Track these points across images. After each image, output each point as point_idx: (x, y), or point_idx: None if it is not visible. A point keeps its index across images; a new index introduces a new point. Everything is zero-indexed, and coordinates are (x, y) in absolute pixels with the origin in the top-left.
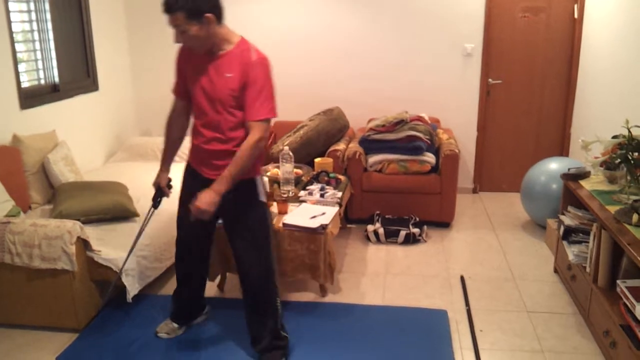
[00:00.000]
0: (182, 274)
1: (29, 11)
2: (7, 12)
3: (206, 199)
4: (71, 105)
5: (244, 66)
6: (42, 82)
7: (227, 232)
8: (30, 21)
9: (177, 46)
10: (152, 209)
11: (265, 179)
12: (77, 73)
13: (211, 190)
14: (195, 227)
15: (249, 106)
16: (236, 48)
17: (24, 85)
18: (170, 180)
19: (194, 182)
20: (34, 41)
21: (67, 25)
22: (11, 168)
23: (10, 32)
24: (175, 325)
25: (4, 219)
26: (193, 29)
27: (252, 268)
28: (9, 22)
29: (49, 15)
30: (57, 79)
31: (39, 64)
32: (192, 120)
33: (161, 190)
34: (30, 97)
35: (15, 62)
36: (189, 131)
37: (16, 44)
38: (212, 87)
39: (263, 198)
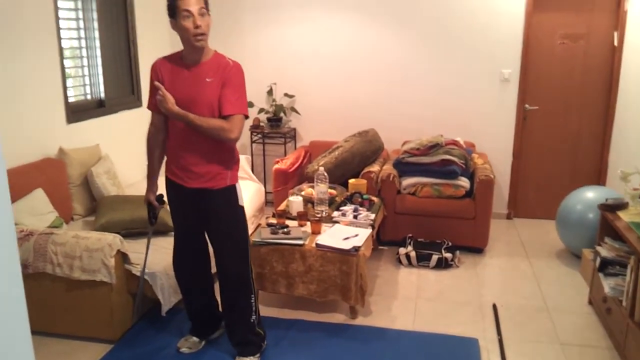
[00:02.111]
0: (183, 288)
1: (78, 29)
2: (58, 28)
3: (172, 104)
4: (115, 121)
5: (222, 70)
6: (89, 97)
7: (210, 237)
8: (79, 38)
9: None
10: (150, 226)
11: (300, 198)
12: (122, 89)
13: (178, 109)
14: (191, 236)
15: (226, 101)
16: (214, 57)
17: (71, 100)
18: (161, 195)
19: (180, 195)
20: (81, 57)
21: (114, 42)
22: (56, 180)
23: (60, 48)
24: (196, 339)
25: (48, 230)
26: (208, 18)
27: (233, 269)
28: (59, 39)
29: (97, 34)
30: (102, 95)
31: (86, 79)
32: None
33: (152, 206)
34: (77, 112)
35: (64, 78)
36: None
37: (65, 60)
38: (194, 92)
39: (242, 203)
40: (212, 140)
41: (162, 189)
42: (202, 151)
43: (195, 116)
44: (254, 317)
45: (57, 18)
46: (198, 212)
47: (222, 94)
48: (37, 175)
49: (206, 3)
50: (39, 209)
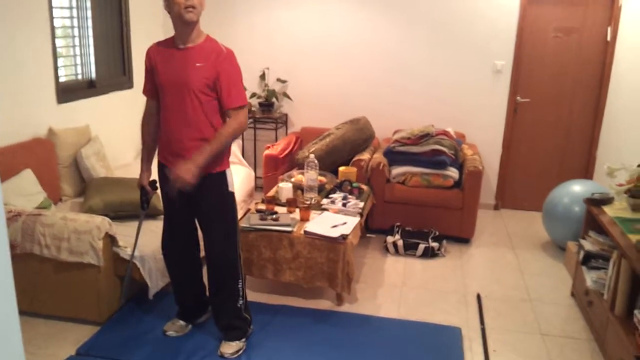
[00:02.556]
0: (171, 272)
1: (70, 7)
2: (50, 7)
3: (185, 167)
4: (106, 102)
5: (215, 57)
6: (79, 77)
7: (200, 222)
8: (71, 17)
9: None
10: (142, 211)
11: (289, 185)
12: (114, 70)
13: (190, 161)
14: (180, 220)
15: (226, 95)
16: (206, 42)
17: (62, 80)
18: (154, 181)
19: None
20: (73, 37)
21: (107, 23)
22: (45, 160)
23: (52, 27)
24: (182, 323)
25: (36, 211)
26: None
27: (222, 254)
28: (51, 18)
29: (89, 13)
30: (93, 75)
31: (77, 59)
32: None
33: (145, 190)
34: (67, 92)
35: (55, 57)
36: None
37: (56, 39)
38: (183, 76)
39: (232, 189)
40: (204, 127)
41: (155, 173)
42: (194, 137)
43: (212, 146)
44: (241, 301)
45: None
46: (188, 197)
47: (221, 87)
48: (26, 156)
49: None
50: (27, 189)
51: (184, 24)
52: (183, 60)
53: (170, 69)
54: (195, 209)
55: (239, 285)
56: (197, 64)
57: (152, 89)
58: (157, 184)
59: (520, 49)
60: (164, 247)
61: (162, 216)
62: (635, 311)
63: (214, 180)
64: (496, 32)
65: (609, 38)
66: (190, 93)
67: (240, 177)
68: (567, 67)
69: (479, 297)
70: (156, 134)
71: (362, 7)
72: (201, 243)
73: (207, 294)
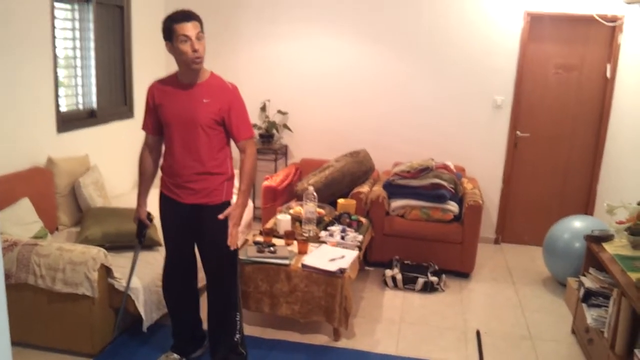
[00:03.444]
0: (171, 305)
1: (73, 38)
2: (53, 37)
3: (237, 214)
4: (106, 131)
5: (222, 93)
6: (80, 107)
7: (201, 251)
8: (74, 48)
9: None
10: (139, 244)
11: (288, 217)
12: (115, 100)
13: (238, 205)
14: (182, 252)
15: (237, 129)
16: (211, 79)
17: (62, 109)
18: (149, 214)
19: (174, 211)
20: (75, 67)
21: (109, 52)
22: (43, 190)
23: (54, 57)
24: (177, 356)
25: (32, 241)
26: (204, 43)
27: (223, 283)
28: (54, 47)
29: (92, 43)
30: (94, 105)
31: (79, 89)
32: (162, 151)
33: (142, 224)
34: (68, 122)
35: (56, 87)
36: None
37: (58, 69)
38: (190, 113)
39: None
40: (208, 159)
41: (151, 202)
42: (199, 170)
43: (246, 184)
44: (237, 336)
45: (53, 26)
46: (191, 227)
47: (230, 122)
48: (24, 185)
49: (201, 26)
50: (24, 218)
51: (190, 70)
52: (189, 98)
53: (177, 106)
54: (197, 239)
55: (237, 319)
56: (204, 100)
57: (152, 125)
58: (152, 216)
59: (521, 84)
60: (165, 279)
61: (158, 247)
62: (636, 350)
63: (219, 211)
64: (496, 68)
65: (608, 75)
66: (198, 128)
67: None
68: (567, 103)
69: (478, 333)
70: (154, 168)
71: (364, 42)
72: (200, 274)
73: (204, 327)
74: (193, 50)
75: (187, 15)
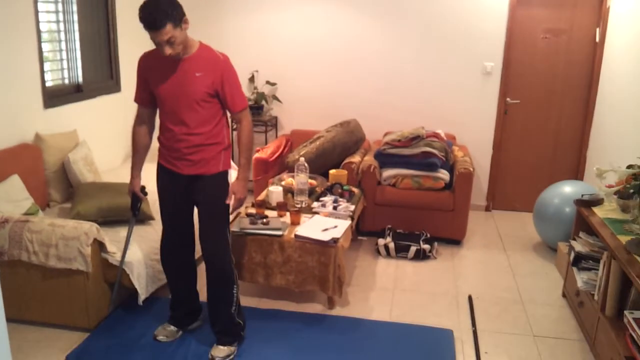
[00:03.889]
0: (170, 277)
1: (56, 12)
2: (36, 11)
3: (240, 188)
4: (93, 106)
5: (213, 65)
6: (66, 81)
7: (201, 214)
8: (58, 21)
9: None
10: (133, 217)
11: (279, 188)
12: (101, 74)
13: (240, 179)
14: (179, 224)
15: (231, 100)
16: (200, 50)
17: (48, 84)
18: (143, 187)
19: (173, 182)
20: (60, 41)
21: (93, 26)
22: (32, 166)
23: (38, 31)
24: (174, 328)
25: (23, 217)
26: (179, 36)
27: (218, 254)
28: (37, 22)
29: (75, 17)
30: (80, 79)
31: (64, 63)
32: (158, 123)
33: (137, 196)
34: (54, 97)
35: (41, 61)
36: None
37: (42, 43)
38: (184, 86)
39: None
40: (204, 132)
41: (145, 175)
42: (196, 142)
43: (246, 157)
44: (234, 307)
45: (36, 0)
46: (188, 197)
47: (224, 94)
48: (13, 161)
49: (179, 20)
50: (14, 195)
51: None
52: (181, 72)
53: (169, 80)
54: (194, 208)
55: (233, 291)
56: (197, 74)
57: (144, 97)
58: (147, 189)
59: (510, 50)
60: (162, 251)
61: (151, 221)
62: (625, 312)
63: (216, 180)
64: (485, 34)
65: (597, 39)
66: (192, 102)
67: (230, 180)
68: (556, 68)
69: (470, 299)
70: (147, 140)
71: (352, 10)
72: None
73: (200, 299)
74: (167, 54)
75: (155, 23)
